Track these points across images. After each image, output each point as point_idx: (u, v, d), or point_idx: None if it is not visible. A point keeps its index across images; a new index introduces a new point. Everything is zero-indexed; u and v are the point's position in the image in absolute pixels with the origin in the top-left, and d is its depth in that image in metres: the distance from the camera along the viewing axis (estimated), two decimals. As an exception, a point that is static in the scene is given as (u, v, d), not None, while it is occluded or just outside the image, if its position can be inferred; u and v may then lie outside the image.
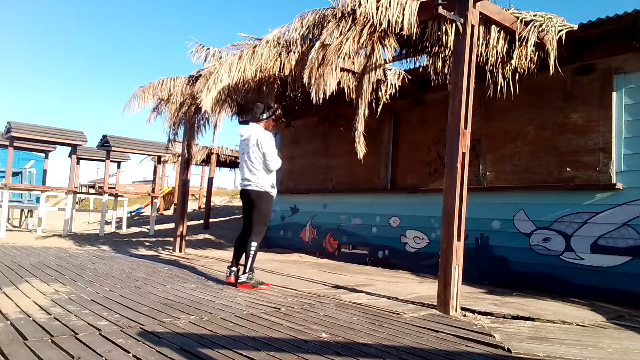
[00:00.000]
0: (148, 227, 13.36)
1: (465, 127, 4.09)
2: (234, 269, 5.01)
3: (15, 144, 11.70)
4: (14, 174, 13.97)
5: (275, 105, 5.66)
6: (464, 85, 4.06)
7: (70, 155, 12.84)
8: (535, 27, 4.74)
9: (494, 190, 6.43)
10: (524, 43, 4.81)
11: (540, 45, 4.96)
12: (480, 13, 4.30)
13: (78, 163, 14.48)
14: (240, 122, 9.17)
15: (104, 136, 12.55)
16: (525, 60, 5.07)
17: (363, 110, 5.49)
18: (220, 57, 6.44)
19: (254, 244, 4.84)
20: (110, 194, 13.27)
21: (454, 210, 3.98)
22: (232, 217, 15.94)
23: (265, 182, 4.93)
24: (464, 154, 4.07)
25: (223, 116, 6.92)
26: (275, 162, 4.92)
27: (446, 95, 4.24)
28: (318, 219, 8.94)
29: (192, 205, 18.88)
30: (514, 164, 6.28)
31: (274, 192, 5.00)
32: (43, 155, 14.68)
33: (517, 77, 5.28)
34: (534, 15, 4.79)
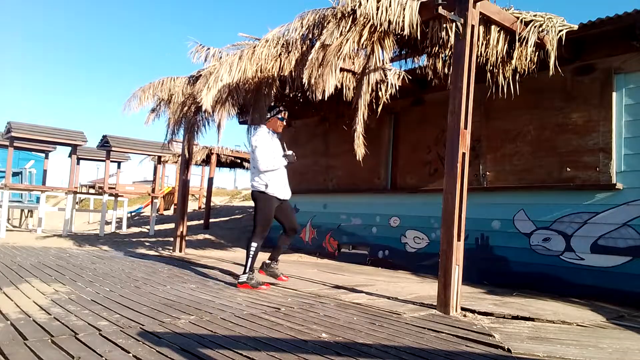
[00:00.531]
0: (148, 227, 13.37)
1: (465, 128, 4.09)
2: (267, 261, 5.27)
3: (15, 144, 11.69)
4: (14, 174, 13.97)
5: (279, 105, 5.64)
6: (464, 86, 4.07)
7: (70, 156, 12.83)
8: (535, 27, 4.73)
9: (494, 191, 6.43)
10: (524, 43, 4.81)
11: (540, 45, 4.96)
12: (481, 13, 4.31)
13: (78, 163, 14.46)
14: (240, 123, 9.18)
15: (104, 136, 12.54)
16: (526, 60, 5.06)
17: (362, 111, 5.49)
18: (221, 57, 6.44)
19: (253, 244, 4.84)
20: (110, 194, 13.26)
21: (454, 210, 3.98)
22: (232, 217, 15.95)
23: (259, 182, 4.92)
24: (464, 154, 4.07)
25: (225, 116, 6.92)
26: (264, 162, 4.84)
27: (446, 95, 4.24)
28: (318, 219, 8.94)
29: (192, 206, 18.89)
30: (514, 164, 6.28)
31: (270, 190, 4.89)
32: (43, 155, 14.67)
33: (517, 77, 5.28)
34: (534, 16, 4.78)
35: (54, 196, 25.00)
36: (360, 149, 5.45)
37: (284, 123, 5.13)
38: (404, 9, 4.23)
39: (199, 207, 19.91)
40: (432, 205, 6.82)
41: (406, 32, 4.31)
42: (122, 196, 14.28)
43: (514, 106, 5.88)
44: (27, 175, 15.56)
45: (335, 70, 4.64)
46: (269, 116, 5.09)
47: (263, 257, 5.31)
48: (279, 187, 4.97)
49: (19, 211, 15.79)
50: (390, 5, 4.23)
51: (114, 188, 15.02)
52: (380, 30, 4.50)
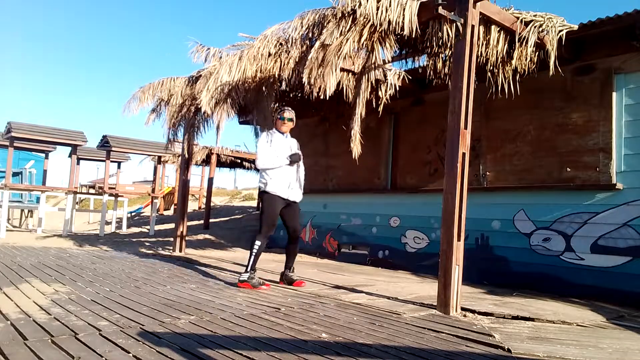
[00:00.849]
0: (148, 227, 13.37)
1: (466, 128, 4.09)
2: (283, 270, 5.27)
3: (15, 144, 11.69)
4: (14, 174, 13.96)
5: (277, 105, 5.64)
6: (464, 86, 4.06)
7: (70, 156, 12.84)
8: (535, 27, 4.73)
9: (494, 191, 6.43)
10: (524, 43, 4.81)
11: (540, 45, 4.96)
12: (481, 13, 4.30)
13: (78, 163, 14.45)
14: (241, 123, 9.18)
15: (104, 136, 12.55)
16: (526, 60, 5.06)
17: (360, 110, 5.49)
18: (221, 57, 6.44)
19: (257, 243, 4.85)
20: (111, 194, 13.26)
21: (454, 210, 3.98)
22: (232, 217, 15.95)
23: (261, 181, 5.00)
24: (464, 154, 4.07)
25: (225, 117, 6.93)
26: (260, 160, 4.92)
27: (446, 95, 4.23)
28: (318, 219, 8.94)
29: (192, 206, 18.89)
30: (514, 164, 6.28)
31: (270, 189, 4.90)
32: (43, 155, 14.67)
33: (517, 77, 5.28)
34: (534, 16, 4.78)
35: (54, 196, 25.00)
36: (357, 148, 5.45)
37: (286, 122, 5.03)
38: (403, 9, 4.23)
39: (199, 207, 19.91)
40: (432, 205, 6.81)
41: (406, 32, 4.30)
42: (122, 196, 14.28)
43: (514, 106, 5.88)
44: (27, 175, 15.56)
45: (336, 70, 4.65)
46: (274, 118, 5.16)
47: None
48: (281, 187, 4.94)
49: (19, 211, 15.79)
50: (390, 5, 4.23)
51: (114, 188, 15.03)
52: (380, 30, 4.51)
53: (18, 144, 12.07)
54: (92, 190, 26.26)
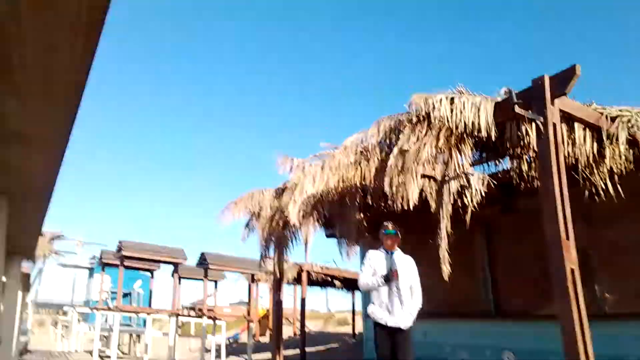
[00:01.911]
0: (246, 356, 12.94)
1: (568, 238, 3.72)
2: None
3: (125, 264, 12.23)
4: (124, 295, 14.42)
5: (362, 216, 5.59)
6: (556, 189, 3.81)
7: (172, 274, 13.15)
8: (623, 122, 4.46)
9: (620, 319, 5.43)
10: (614, 141, 4.51)
11: (633, 142, 4.62)
12: (560, 110, 4.15)
13: (180, 282, 14.91)
14: (327, 236, 9.21)
15: (202, 254, 12.91)
16: (620, 159, 4.70)
17: (445, 224, 5.30)
18: (304, 168, 6.71)
19: None
20: (209, 317, 13.29)
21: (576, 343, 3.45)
22: (329, 345, 15.10)
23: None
24: (572, 270, 3.64)
25: (312, 231, 7.04)
26: (359, 280, 4.78)
27: (538, 201, 3.96)
28: (418, 351, 8.15)
29: (286, 331, 18.41)
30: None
31: (371, 313, 4.64)
32: (149, 274, 15.11)
33: (615, 179, 4.87)
34: (620, 110, 4.54)
35: (159, 319, 25.72)
36: (445, 266, 5.18)
37: (391, 236, 4.77)
38: (478, 110, 4.24)
39: (294, 334, 19.32)
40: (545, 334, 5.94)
41: (483, 133, 4.27)
42: (219, 319, 14.17)
43: (624, 211, 5.26)
44: (135, 296, 16.01)
45: (416, 177, 4.63)
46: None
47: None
48: (378, 311, 4.58)
49: (128, 336, 15.89)
50: (464, 108, 4.27)
51: (212, 310, 15.07)
52: (456, 133, 4.50)
53: (128, 263, 12.58)
54: (192, 313, 26.85)
